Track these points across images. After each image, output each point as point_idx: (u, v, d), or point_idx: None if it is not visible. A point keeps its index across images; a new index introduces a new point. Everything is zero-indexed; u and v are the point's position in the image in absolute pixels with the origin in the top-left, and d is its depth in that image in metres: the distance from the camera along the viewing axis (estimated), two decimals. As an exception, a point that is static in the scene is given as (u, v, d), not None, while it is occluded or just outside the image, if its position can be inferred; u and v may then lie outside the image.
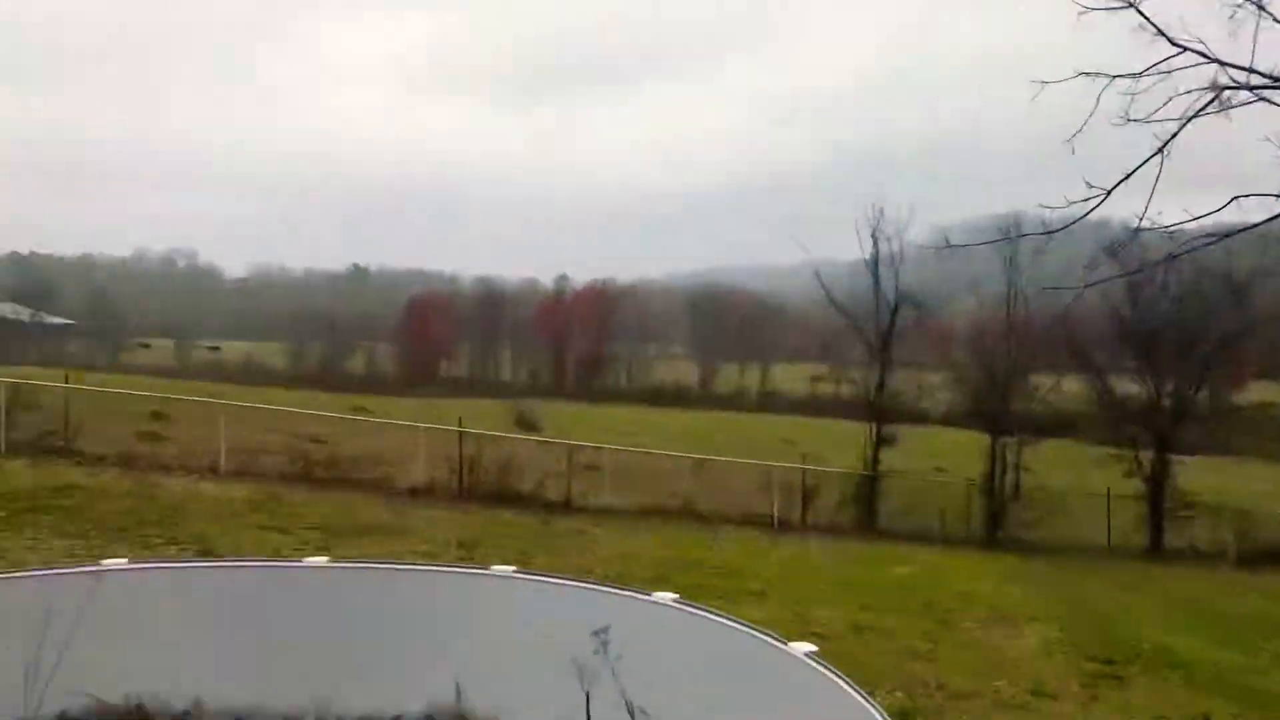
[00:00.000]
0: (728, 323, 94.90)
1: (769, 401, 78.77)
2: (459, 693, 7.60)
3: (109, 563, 9.10)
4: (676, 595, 7.81)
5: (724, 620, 6.93)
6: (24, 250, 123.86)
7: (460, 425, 22.31)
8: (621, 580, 13.64)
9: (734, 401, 78.41)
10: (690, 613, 7.14)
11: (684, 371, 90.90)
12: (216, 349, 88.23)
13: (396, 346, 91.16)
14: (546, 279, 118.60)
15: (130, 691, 8.12)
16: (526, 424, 38.37)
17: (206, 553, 13.74)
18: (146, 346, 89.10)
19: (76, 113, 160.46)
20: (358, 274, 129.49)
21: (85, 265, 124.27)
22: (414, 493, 20.19)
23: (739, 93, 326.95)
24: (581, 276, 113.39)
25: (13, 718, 7.74)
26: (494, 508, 19.88)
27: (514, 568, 9.06)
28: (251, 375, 64.73)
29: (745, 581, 16.21)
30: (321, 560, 9.02)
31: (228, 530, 15.36)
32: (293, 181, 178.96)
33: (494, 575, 8.37)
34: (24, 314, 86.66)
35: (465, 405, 43.46)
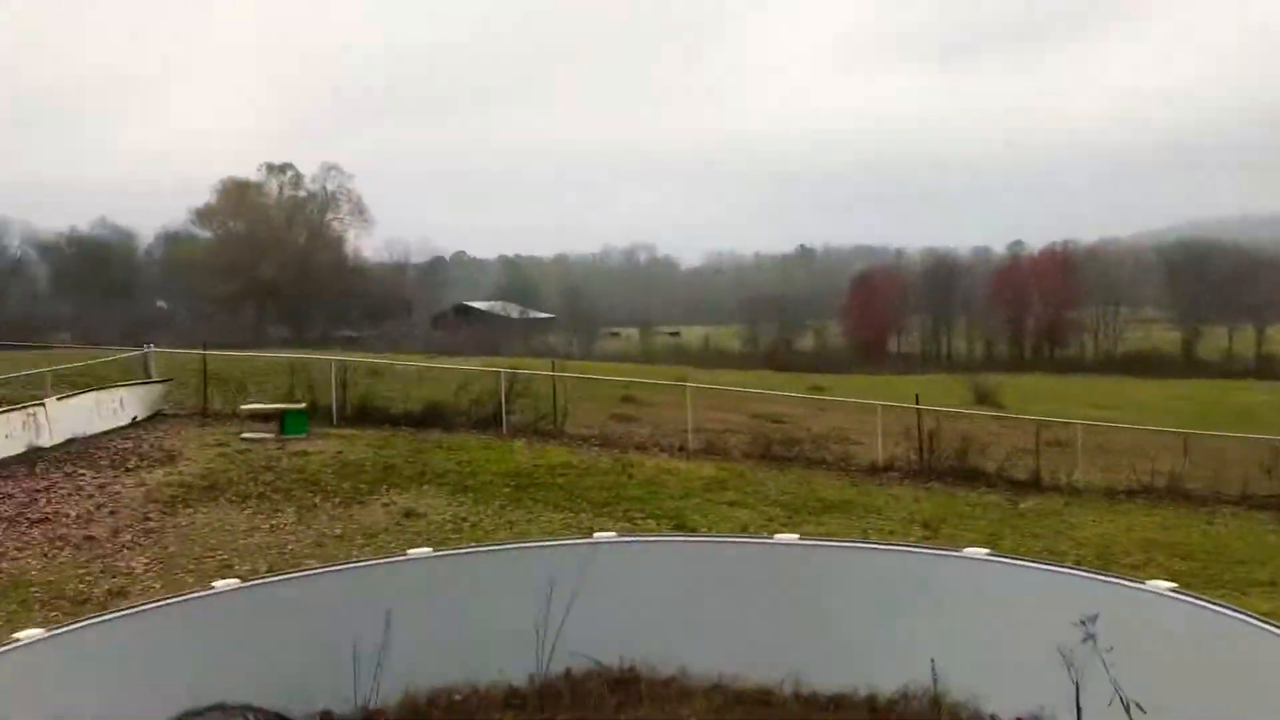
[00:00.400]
0: (1212, 281, 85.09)
1: (1268, 367, 69.79)
2: (934, 674, 7.55)
3: (601, 535, 10.06)
4: (1173, 584, 7.19)
5: (1234, 614, 6.28)
6: (510, 254, 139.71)
7: (917, 402, 22.00)
8: (1103, 566, 12.79)
9: (1224, 368, 70.40)
10: (1191, 604, 6.55)
11: (1161, 337, 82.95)
12: (676, 334, 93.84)
13: (845, 324, 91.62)
14: (1000, 246, 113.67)
15: (623, 655, 8.91)
16: (986, 398, 36.95)
17: (682, 527, 14.72)
18: (616, 335, 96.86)
19: (546, 122, 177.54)
20: (804, 255, 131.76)
21: (561, 264, 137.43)
22: (873, 470, 20.21)
23: (1217, 25, 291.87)
24: (1038, 240, 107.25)
25: (526, 673, 8.76)
26: (955, 486, 19.38)
27: (987, 550, 8.81)
28: (709, 358, 68.08)
29: (1251, 570, 14.53)
30: (792, 537, 9.35)
31: (699, 506, 16.32)
32: (740, 170, 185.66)
33: (966, 557, 8.22)
34: (513, 310, 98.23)
35: (918, 381, 42.76)
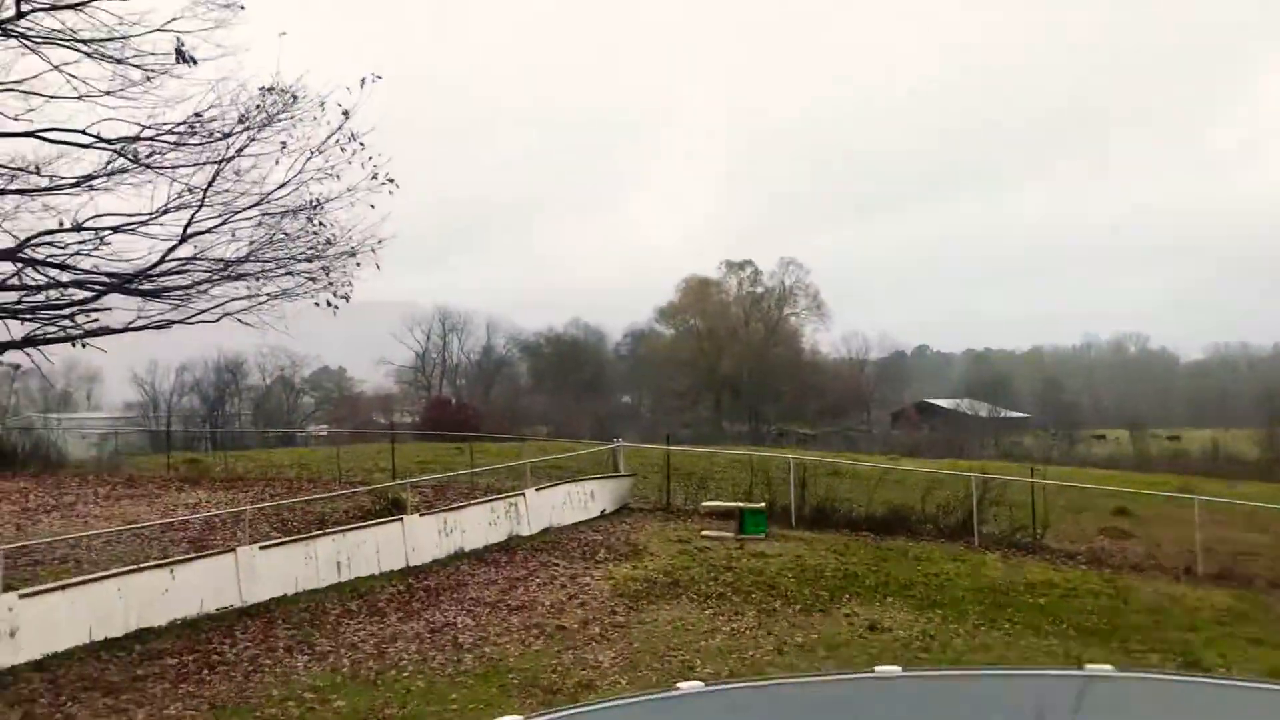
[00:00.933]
0: None
1: None
2: None
3: (1094, 667, 9.28)
4: None
5: None
6: (979, 348, 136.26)
7: None
8: None
9: None
10: None
11: None
12: (1176, 438, 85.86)
13: (1402, 428, 79.00)
14: None
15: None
16: None
17: (1193, 665, 13.27)
18: (1101, 437, 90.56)
19: (1015, 205, 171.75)
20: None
21: (1035, 358, 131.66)
22: None
23: None
24: None
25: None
26: None
27: None
28: (1218, 466, 61.45)
29: None
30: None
31: (1213, 641, 14.65)
32: (1254, 253, 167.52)
33: None
34: (981, 408, 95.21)
35: None
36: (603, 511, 22.29)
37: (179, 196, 15.54)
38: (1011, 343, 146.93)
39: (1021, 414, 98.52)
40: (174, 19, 14.45)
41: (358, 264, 17.18)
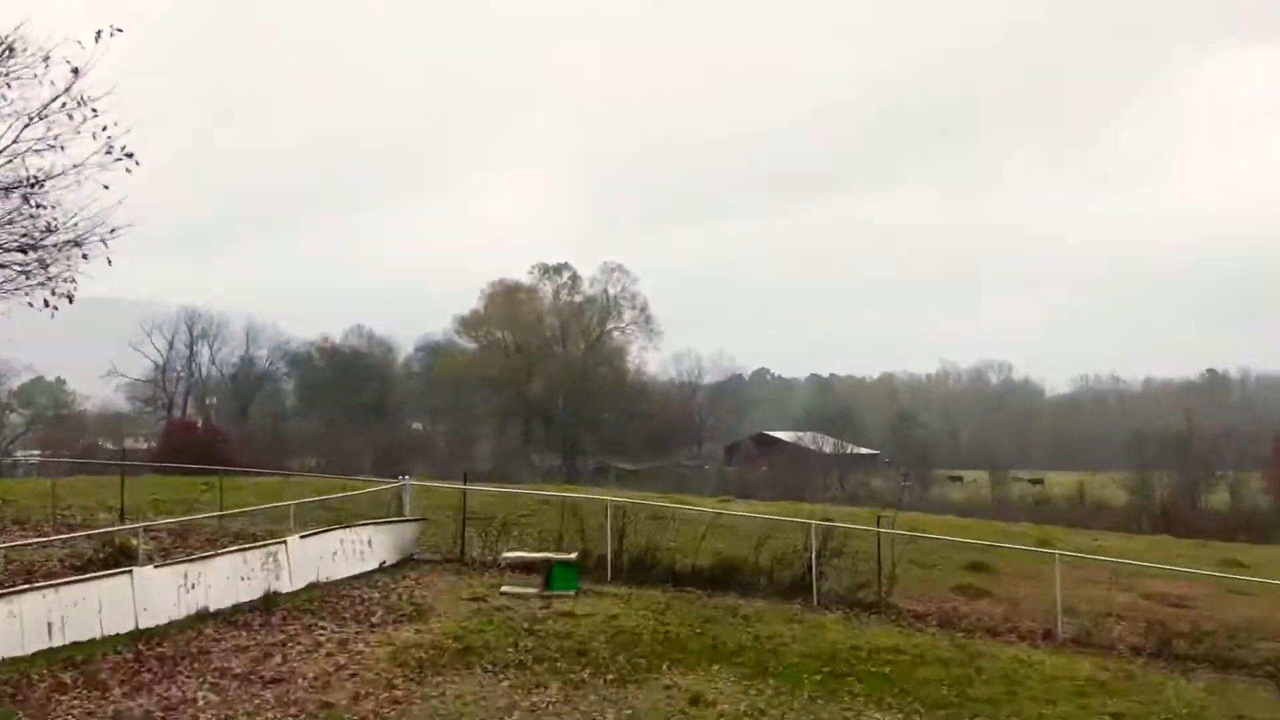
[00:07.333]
0: None
1: None
2: None
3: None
4: None
5: None
6: (824, 373, 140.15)
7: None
8: None
9: None
10: None
11: None
12: (1038, 482, 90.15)
13: (1273, 476, 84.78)
14: None
15: None
16: None
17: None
18: (958, 479, 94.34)
19: (875, 212, 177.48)
20: (1215, 383, 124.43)
21: (886, 386, 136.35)
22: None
23: None
24: None
25: None
26: None
27: None
28: (1084, 515, 64.79)
29: None
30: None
31: (1068, 715, 15.38)
32: (1126, 277, 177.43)
33: None
34: (825, 443, 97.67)
35: (1384, 558, 38.71)
36: (382, 564, 21.98)
37: None
38: (861, 368, 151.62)
39: (870, 450, 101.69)
40: None
41: (84, 256, 17.09)
